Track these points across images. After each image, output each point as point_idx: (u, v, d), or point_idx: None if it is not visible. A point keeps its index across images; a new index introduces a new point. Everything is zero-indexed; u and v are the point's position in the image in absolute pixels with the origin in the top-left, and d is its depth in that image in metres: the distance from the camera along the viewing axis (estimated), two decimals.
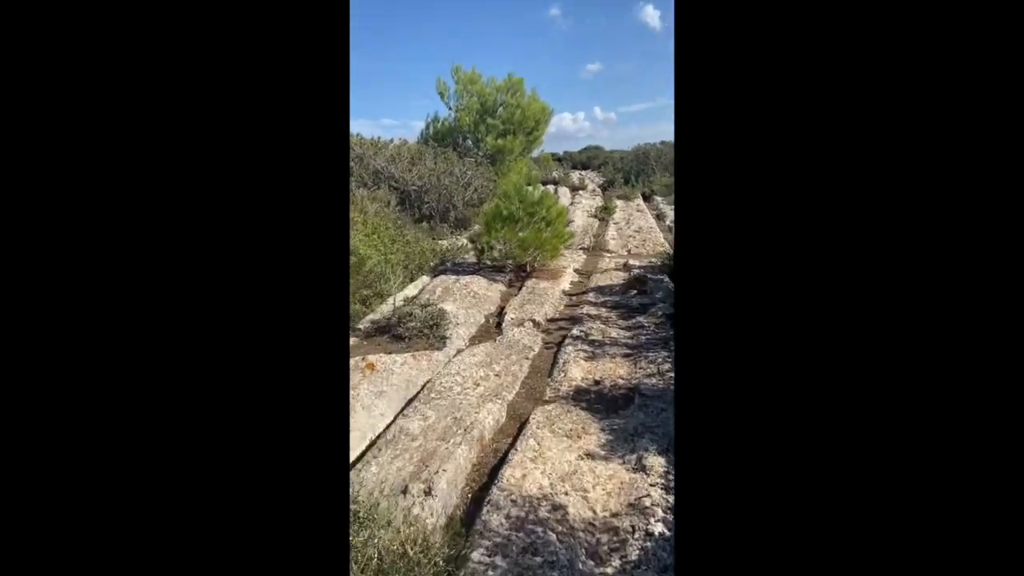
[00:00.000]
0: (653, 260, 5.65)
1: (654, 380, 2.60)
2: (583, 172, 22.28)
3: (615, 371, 2.77)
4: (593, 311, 3.91)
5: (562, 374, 2.78)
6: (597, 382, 2.67)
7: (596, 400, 2.47)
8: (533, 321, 3.68)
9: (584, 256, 6.18)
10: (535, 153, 12.41)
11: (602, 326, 3.46)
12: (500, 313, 4.03)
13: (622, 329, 3.43)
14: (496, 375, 2.75)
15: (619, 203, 11.02)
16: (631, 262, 5.54)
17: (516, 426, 2.31)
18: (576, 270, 5.47)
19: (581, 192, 13.56)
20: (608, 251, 6.43)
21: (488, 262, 5.07)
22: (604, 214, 9.83)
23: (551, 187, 15.09)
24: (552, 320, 3.83)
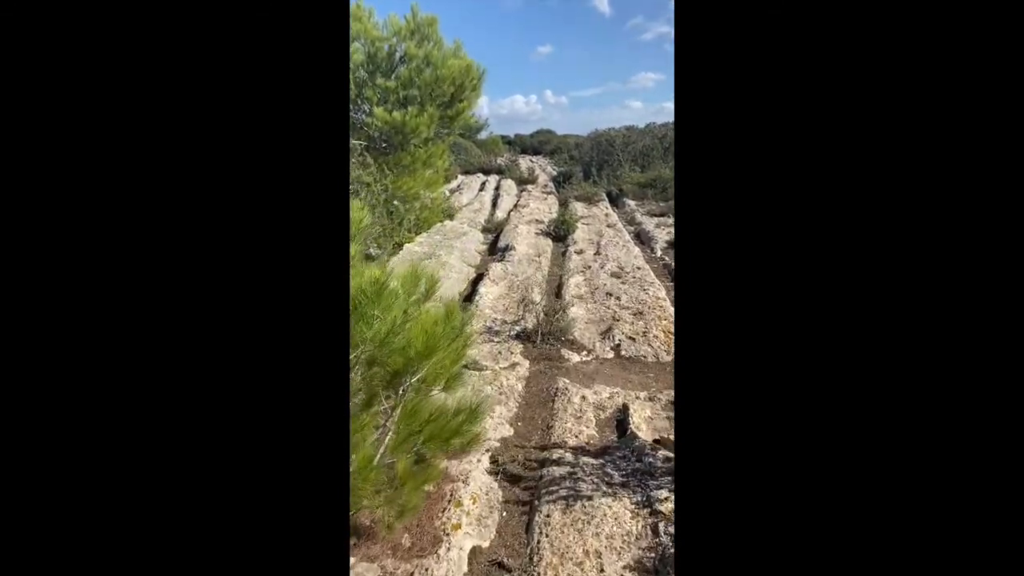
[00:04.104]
0: None
1: None
2: (534, 158, 18.90)
3: None
4: None
5: None
6: None
7: None
8: None
9: (524, 363, 2.88)
10: (483, 135, 8.83)
11: None
12: None
13: None
14: None
15: (579, 207, 7.77)
16: (638, 432, 2.29)
17: None
18: (492, 469, 2.14)
19: (530, 188, 10.17)
20: (574, 344, 3.16)
21: None
22: (562, 230, 6.56)
23: (493, 178, 11.66)
24: None
